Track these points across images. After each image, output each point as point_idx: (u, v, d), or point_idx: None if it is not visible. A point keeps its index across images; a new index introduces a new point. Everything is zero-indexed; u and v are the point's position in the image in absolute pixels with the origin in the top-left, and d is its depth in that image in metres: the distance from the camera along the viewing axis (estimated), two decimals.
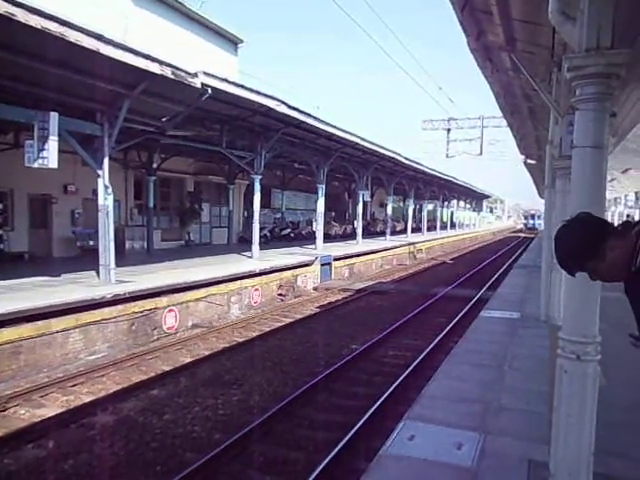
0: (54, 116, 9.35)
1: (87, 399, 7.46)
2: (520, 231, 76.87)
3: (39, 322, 8.61)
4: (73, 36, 8.02)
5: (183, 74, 10.31)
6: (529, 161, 23.55)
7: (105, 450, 5.90)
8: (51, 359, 8.76)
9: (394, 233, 34.38)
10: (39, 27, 7.51)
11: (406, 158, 26.08)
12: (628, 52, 2.85)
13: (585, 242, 1.91)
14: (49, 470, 5.44)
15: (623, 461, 3.78)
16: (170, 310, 11.33)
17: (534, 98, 10.08)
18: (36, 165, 9.47)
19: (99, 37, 8.45)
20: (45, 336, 8.66)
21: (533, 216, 72.78)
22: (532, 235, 56.89)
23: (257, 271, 14.83)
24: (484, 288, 17.30)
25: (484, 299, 13.63)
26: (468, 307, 13.97)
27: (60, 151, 9.71)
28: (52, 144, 9.34)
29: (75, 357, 9.19)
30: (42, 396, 7.50)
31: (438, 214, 48.32)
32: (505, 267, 23.73)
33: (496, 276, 20.53)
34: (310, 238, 24.78)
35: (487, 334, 8.33)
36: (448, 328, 11.46)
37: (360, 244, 25.43)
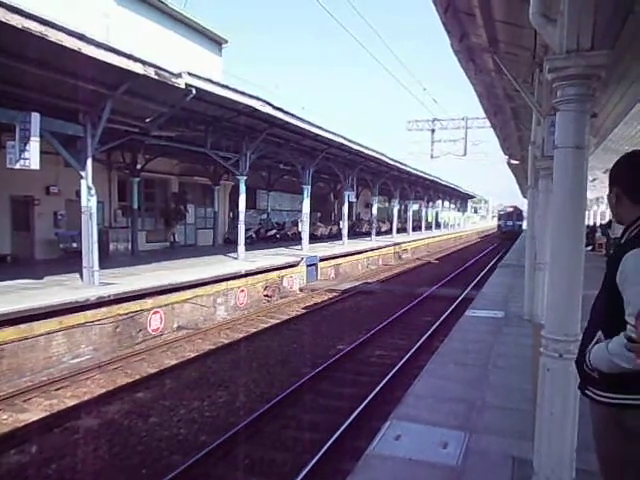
0: (35, 116, 9.24)
1: (71, 403, 7.38)
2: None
3: (22, 325, 8.49)
4: (54, 36, 7.93)
5: (167, 74, 10.25)
6: (512, 161, 23.81)
7: (89, 454, 5.83)
8: (34, 363, 8.65)
9: (379, 233, 34.50)
10: (20, 27, 7.42)
11: (391, 159, 26.19)
12: (608, 54, 2.89)
13: (629, 173, 2.17)
14: (32, 476, 5.37)
15: None
16: (155, 312, 11.25)
17: (517, 99, 10.19)
18: (18, 166, 9.35)
19: (81, 37, 8.36)
20: (28, 339, 8.55)
21: (511, 215, 50.73)
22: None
23: (243, 272, 14.77)
24: (469, 287, 17.43)
25: (469, 298, 13.72)
26: (453, 306, 14.06)
27: (42, 152, 9.59)
28: (34, 145, 9.23)
29: (59, 360, 9.08)
30: (25, 400, 7.40)
31: (423, 214, 48.53)
32: (489, 266, 23.92)
33: (481, 275, 20.69)
34: (296, 239, 24.77)
35: (472, 333, 8.39)
36: (434, 327, 11.53)
37: (346, 244, 25.47)
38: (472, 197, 73.27)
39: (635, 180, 2.14)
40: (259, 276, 15.66)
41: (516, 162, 23.11)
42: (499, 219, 55.27)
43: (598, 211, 32.25)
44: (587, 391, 2.14)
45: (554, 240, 3.11)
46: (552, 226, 3.16)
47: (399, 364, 8.75)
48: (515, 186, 43.25)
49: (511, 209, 51.51)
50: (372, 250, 26.47)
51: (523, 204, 46.38)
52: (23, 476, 5.38)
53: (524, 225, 42.44)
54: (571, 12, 2.89)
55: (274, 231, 28.45)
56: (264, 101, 13.82)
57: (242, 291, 14.62)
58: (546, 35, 3.12)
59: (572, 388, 2.95)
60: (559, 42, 2.96)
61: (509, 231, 48.78)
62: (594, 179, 21.56)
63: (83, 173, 10.95)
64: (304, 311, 14.27)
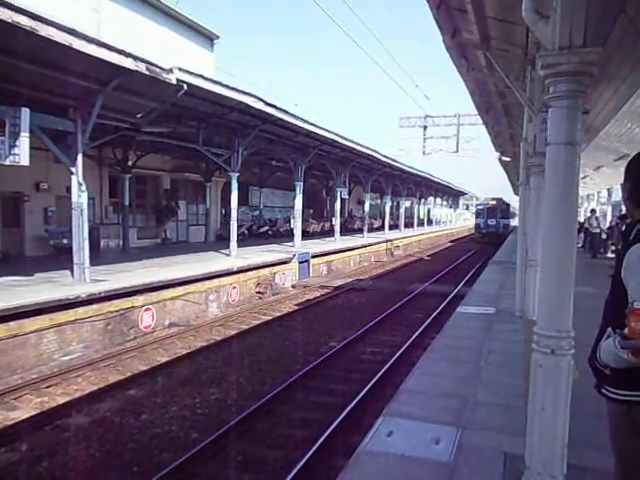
0: (25, 112, 9.15)
1: (62, 400, 7.34)
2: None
3: (12, 323, 8.42)
4: (44, 30, 7.85)
5: (158, 70, 10.17)
6: (504, 158, 23.89)
7: (81, 452, 5.80)
8: (24, 360, 8.58)
9: (372, 230, 34.52)
10: (10, 21, 7.33)
11: (383, 155, 26.20)
12: (600, 50, 2.89)
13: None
14: (22, 473, 5.34)
15: (596, 452, 3.84)
16: (147, 309, 11.19)
17: (509, 96, 10.22)
18: (7, 162, 9.25)
19: (71, 31, 8.28)
20: (18, 337, 8.48)
21: (493, 211, 38.00)
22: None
23: (235, 269, 14.74)
24: (460, 284, 17.48)
25: (461, 295, 13.76)
26: (445, 303, 14.10)
27: (32, 148, 9.50)
28: (23, 140, 9.14)
29: (49, 358, 9.02)
30: (15, 398, 7.34)
31: (415, 211, 48.59)
32: (481, 263, 23.99)
33: (472, 272, 20.76)
34: (288, 235, 24.71)
35: (464, 329, 8.41)
36: (426, 324, 11.56)
37: (338, 241, 25.46)
38: (464, 194, 73.38)
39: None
40: (251, 273, 15.63)
41: (508, 159, 23.18)
42: (477, 216, 40.89)
43: (589, 208, 32.40)
44: (603, 390, 2.12)
45: (546, 237, 3.12)
46: (544, 223, 3.17)
47: (391, 361, 8.76)
48: (507, 183, 43.22)
49: (493, 202, 39.07)
50: (364, 247, 26.50)
51: (514, 200, 38.94)
52: (14, 474, 5.34)
53: (513, 223, 39.52)
54: (563, 9, 2.89)
55: (266, 228, 28.39)
56: (256, 97, 13.77)
57: (234, 288, 14.58)
58: (538, 32, 3.12)
59: (563, 384, 2.96)
60: (551, 39, 2.96)
61: (491, 233, 37.00)
62: (585, 176, 21.68)
63: (73, 169, 10.87)
64: (296, 308, 14.27)
